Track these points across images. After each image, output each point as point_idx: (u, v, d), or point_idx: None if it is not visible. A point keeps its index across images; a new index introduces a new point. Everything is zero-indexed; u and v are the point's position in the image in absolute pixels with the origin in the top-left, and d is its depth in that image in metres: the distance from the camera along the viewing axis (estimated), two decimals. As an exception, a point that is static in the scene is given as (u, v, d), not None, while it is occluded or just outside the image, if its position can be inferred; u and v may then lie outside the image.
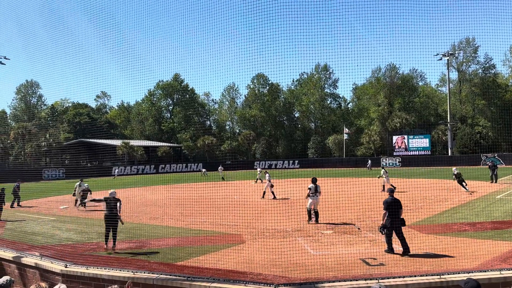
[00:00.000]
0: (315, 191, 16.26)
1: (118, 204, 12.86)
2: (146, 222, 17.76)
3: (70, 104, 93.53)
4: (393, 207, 11.16)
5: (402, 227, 11.17)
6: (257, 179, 36.57)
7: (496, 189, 26.03)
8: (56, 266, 10.34)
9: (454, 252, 10.75)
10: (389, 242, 11.21)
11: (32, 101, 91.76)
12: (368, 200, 19.21)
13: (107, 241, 12.76)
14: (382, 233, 11.35)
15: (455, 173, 25.50)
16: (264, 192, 25.38)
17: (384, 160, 61.66)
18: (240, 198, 23.88)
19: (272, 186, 25.17)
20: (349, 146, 75.64)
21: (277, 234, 14.21)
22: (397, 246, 11.27)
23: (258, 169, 37.76)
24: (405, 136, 65.34)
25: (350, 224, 15.69)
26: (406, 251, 10.95)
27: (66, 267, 10.20)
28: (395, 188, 11.59)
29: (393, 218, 11.08)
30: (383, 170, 28.25)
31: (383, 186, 26.82)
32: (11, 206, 24.16)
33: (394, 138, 66.58)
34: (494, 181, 28.83)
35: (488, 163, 29.22)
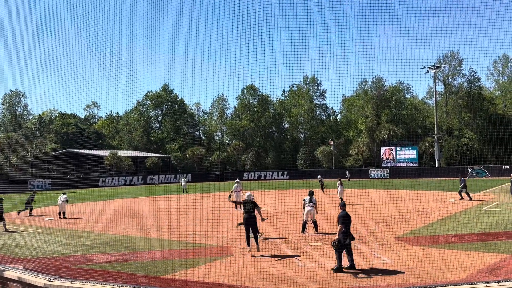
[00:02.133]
0: (309, 202, 16.35)
1: (256, 207, 13.09)
2: (133, 234, 17.53)
3: (57, 114, 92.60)
4: (347, 221, 11.10)
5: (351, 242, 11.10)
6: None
7: (483, 201, 26.33)
8: (40, 280, 10.11)
9: (441, 264, 10.80)
10: (339, 258, 10.80)
11: (18, 111, 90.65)
12: (356, 211, 19.26)
13: (249, 243, 12.80)
14: (333, 247, 11.06)
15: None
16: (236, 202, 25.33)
17: (372, 171, 62.07)
18: (229, 209, 23.75)
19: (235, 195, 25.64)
20: (338, 158, 76.03)
21: (265, 246, 14.13)
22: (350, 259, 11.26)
23: (236, 180, 33.58)
24: (393, 148, 65.98)
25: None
26: (352, 267, 10.76)
27: (50, 281, 9.98)
28: (344, 203, 11.60)
29: (347, 233, 10.95)
30: (338, 181, 27.85)
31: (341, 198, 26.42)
32: (18, 214, 24.67)
33: (382, 149, 67.20)
34: (461, 198, 27.36)
35: (462, 178, 28.46)
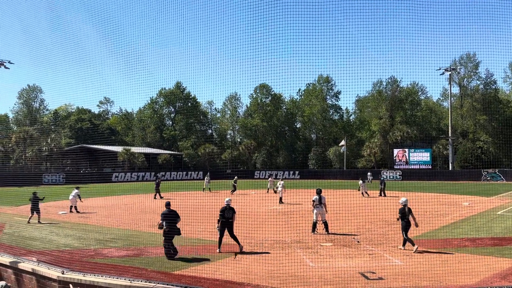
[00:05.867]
0: (319, 202, 16.23)
1: (234, 213, 13.59)
2: (144, 230, 17.69)
3: (74, 110, 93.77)
4: (169, 217, 12.74)
5: (179, 235, 12.81)
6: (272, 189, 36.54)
7: (497, 205, 25.95)
8: (53, 273, 10.28)
9: (454, 268, 10.67)
10: (168, 248, 12.44)
11: (34, 106, 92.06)
12: (368, 212, 19.14)
13: (220, 246, 13.35)
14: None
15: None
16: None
17: (384, 173, 61.44)
18: (240, 207, 23.78)
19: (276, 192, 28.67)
20: (350, 158, 75.47)
21: (276, 245, 14.13)
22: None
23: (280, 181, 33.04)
24: (406, 150, 65.23)
25: (350, 234, 15.62)
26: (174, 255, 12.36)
27: (63, 273, 10.14)
28: (168, 203, 13.39)
29: (170, 227, 12.56)
30: (360, 181, 32.27)
31: (362, 193, 31.40)
32: (154, 198, 30.97)
33: (395, 151, 66.47)
34: (383, 195, 31.59)
35: (382, 178, 35.18)
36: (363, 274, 10.51)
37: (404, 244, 13.31)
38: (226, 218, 13.31)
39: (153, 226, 18.84)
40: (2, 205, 26.46)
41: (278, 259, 11.80)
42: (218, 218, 13.48)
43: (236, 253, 12.88)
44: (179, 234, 12.82)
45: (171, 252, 12.42)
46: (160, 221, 12.86)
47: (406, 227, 13.20)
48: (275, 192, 33.11)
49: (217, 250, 13.20)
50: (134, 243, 14.80)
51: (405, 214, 13.29)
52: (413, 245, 12.90)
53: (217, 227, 13.56)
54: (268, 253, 12.88)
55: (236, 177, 38.90)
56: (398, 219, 13.56)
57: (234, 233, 13.34)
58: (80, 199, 24.29)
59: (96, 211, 24.31)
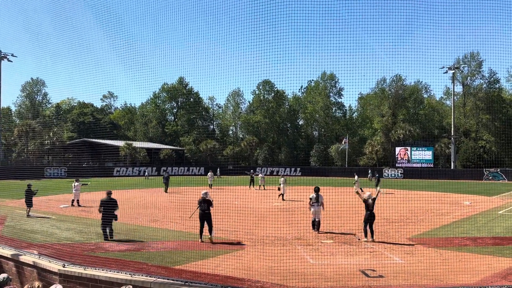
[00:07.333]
0: (316, 200, 16.18)
1: (211, 205, 14.23)
2: (145, 225, 17.72)
3: (76, 104, 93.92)
4: (106, 205, 14.46)
5: (115, 220, 14.42)
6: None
7: (498, 204, 25.91)
8: (54, 266, 10.32)
9: (454, 267, 10.66)
10: (104, 230, 14.32)
11: (37, 99, 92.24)
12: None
13: (201, 236, 14.13)
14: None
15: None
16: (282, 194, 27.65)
17: (386, 171, 61.36)
18: (241, 203, 23.82)
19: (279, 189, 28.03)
20: (352, 156, 75.40)
21: (276, 241, 14.15)
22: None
23: (281, 178, 30.57)
24: (408, 148, 65.12)
25: (350, 234, 15.61)
26: (111, 236, 14.11)
27: (64, 266, 10.18)
28: (110, 191, 15.23)
29: (107, 214, 14.15)
30: (356, 176, 32.34)
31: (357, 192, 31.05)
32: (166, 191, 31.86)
33: (397, 149, 66.36)
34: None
35: (376, 175, 36.93)
36: (364, 272, 10.52)
37: (366, 235, 14.38)
38: (202, 209, 14.11)
39: (155, 220, 18.94)
40: (4, 198, 26.54)
41: (279, 256, 11.81)
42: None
43: (210, 238, 13.83)
44: (116, 219, 14.44)
45: (106, 234, 14.20)
46: (100, 207, 14.68)
47: (367, 218, 14.38)
48: (262, 187, 36.17)
49: (199, 240, 13.93)
50: (135, 237, 14.83)
51: (369, 206, 14.47)
52: (365, 236, 14.30)
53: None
54: (268, 249, 12.89)
55: (252, 171, 39.29)
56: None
57: (212, 224, 14.13)
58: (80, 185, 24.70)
59: (97, 205, 24.31)
